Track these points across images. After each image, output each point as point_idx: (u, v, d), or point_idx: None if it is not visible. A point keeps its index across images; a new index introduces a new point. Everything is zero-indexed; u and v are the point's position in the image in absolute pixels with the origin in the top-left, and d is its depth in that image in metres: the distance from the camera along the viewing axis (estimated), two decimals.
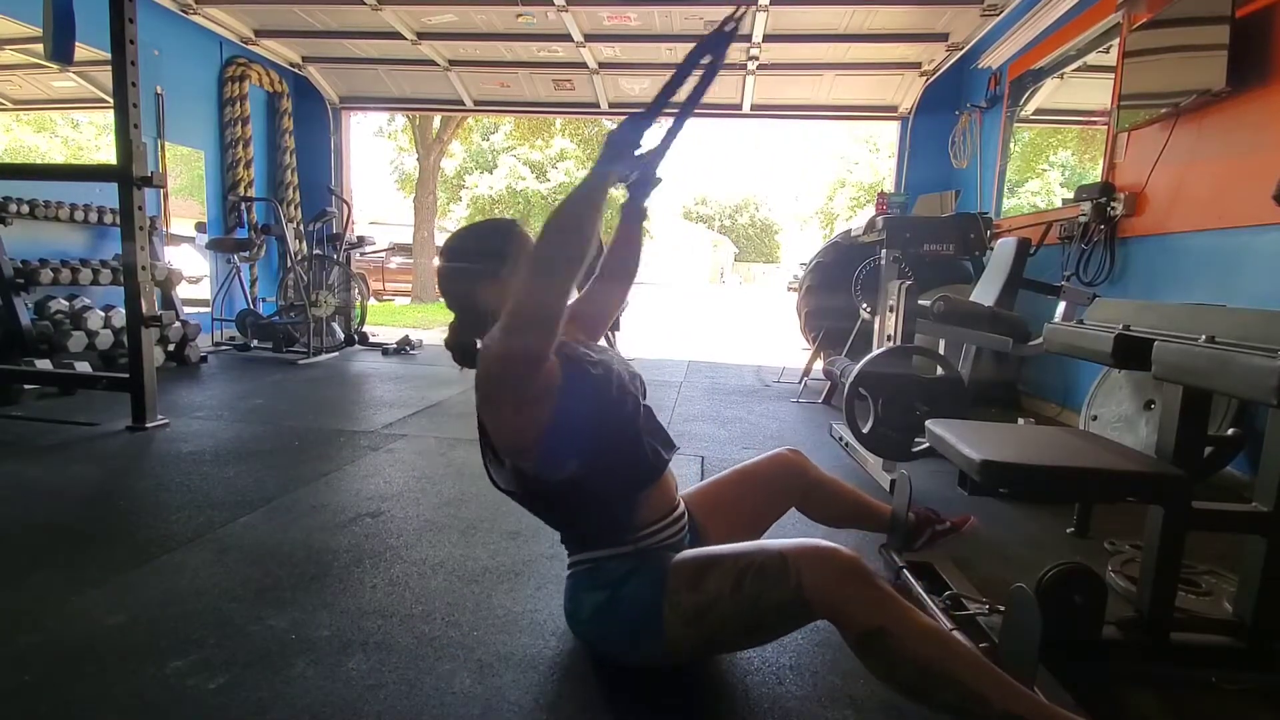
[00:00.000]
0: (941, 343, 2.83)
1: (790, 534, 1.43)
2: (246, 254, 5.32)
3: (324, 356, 4.92)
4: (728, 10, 0.97)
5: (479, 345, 1.18)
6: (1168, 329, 1.16)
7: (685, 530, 1.23)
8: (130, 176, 2.61)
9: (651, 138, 1.09)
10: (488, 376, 1.05)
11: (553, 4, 4.37)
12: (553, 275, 0.96)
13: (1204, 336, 1.05)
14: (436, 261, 1.23)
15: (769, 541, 1.06)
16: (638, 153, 1.06)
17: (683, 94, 1.07)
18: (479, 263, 1.16)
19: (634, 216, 1.31)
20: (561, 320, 0.99)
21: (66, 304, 3.65)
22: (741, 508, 1.40)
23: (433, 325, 8.28)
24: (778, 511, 1.47)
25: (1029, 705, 0.89)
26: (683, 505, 1.26)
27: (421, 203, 13.30)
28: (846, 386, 2.28)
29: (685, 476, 2.29)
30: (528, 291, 0.98)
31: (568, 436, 1.07)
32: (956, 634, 1.18)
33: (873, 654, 0.94)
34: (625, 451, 1.14)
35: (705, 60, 1.06)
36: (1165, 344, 1.06)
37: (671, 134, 1.12)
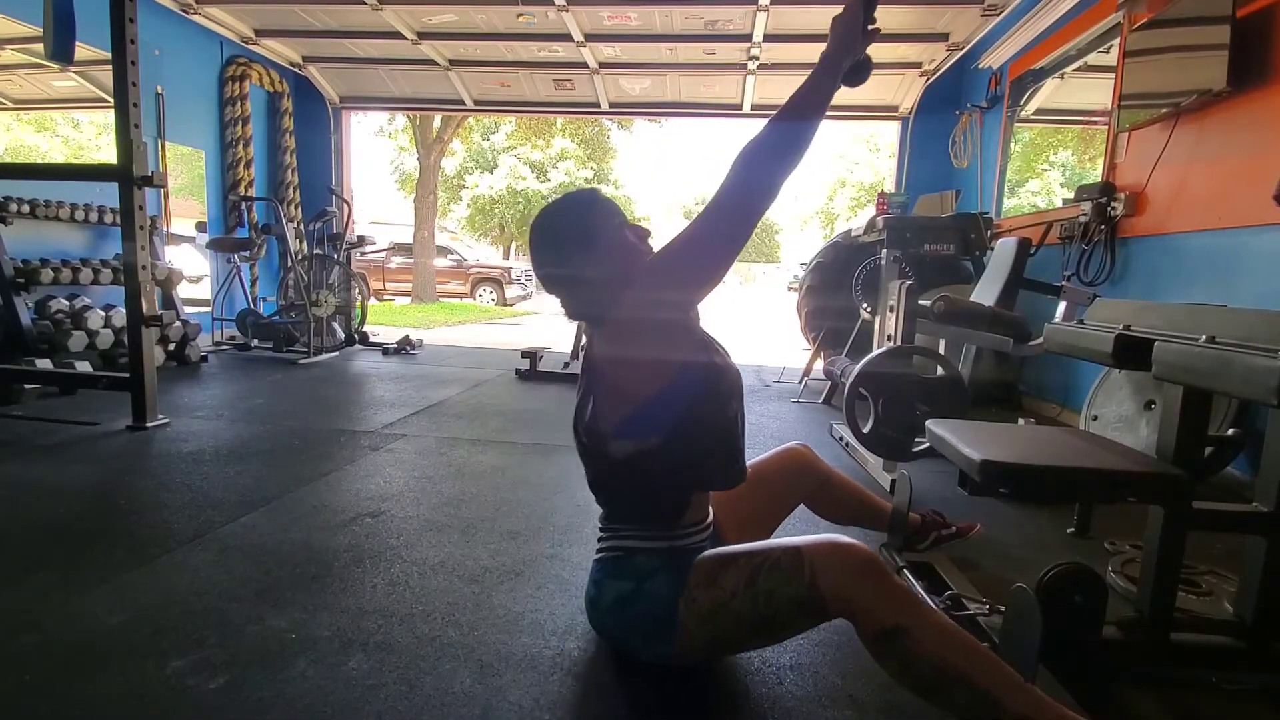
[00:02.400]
0: (942, 343, 2.83)
1: (794, 530, 1.43)
2: (247, 254, 5.32)
3: (324, 356, 4.92)
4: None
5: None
6: (1168, 329, 1.15)
7: (711, 537, 1.23)
8: (131, 176, 2.61)
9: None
10: (661, 273, 1.06)
11: (553, 4, 4.37)
12: (773, 159, 0.98)
13: (1204, 336, 1.05)
14: (529, 250, 1.21)
15: (785, 539, 1.06)
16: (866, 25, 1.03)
17: None
18: (574, 239, 1.12)
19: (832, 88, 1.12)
20: (764, 210, 1.01)
21: (67, 303, 3.65)
22: (753, 506, 1.39)
23: (433, 325, 8.28)
24: (789, 508, 1.47)
25: (1044, 711, 0.88)
26: (712, 513, 1.26)
27: (422, 202, 13.30)
28: (847, 386, 2.28)
29: None
30: (748, 173, 0.98)
31: (665, 408, 1.07)
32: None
33: (888, 653, 0.94)
34: (708, 447, 1.13)
35: None
36: (1165, 344, 1.06)
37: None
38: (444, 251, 14.10)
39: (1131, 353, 1.14)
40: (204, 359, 4.44)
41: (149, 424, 2.70)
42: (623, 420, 1.09)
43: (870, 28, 1.02)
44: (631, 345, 1.09)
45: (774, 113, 0.99)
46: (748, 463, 1.46)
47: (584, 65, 5.38)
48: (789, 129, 0.99)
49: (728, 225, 1.00)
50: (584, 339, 1.12)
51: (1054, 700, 0.91)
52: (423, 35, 5.06)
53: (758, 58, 5.02)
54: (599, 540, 1.22)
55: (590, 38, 4.93)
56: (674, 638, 1.07)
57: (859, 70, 1.06)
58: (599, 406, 1.12)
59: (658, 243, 1.14)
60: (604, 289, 1.11)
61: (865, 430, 2.23)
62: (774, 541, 1.07)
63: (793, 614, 1.00)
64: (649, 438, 1.08)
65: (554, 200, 1.20)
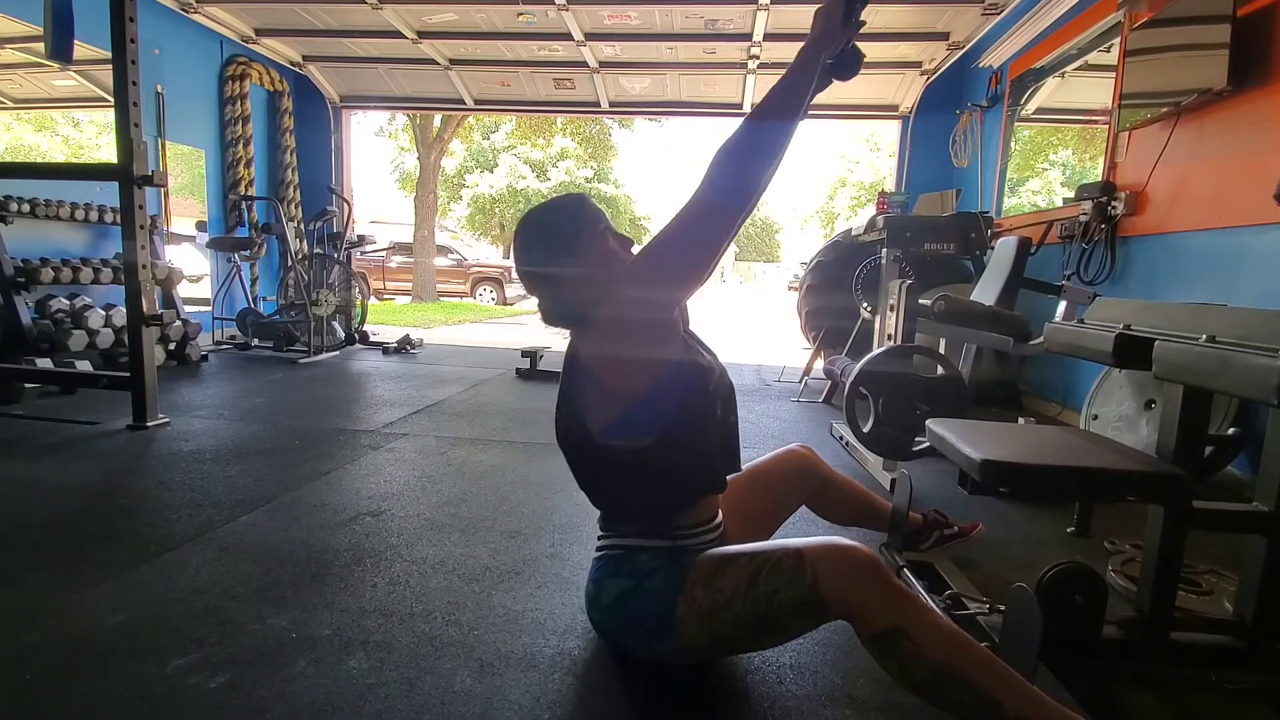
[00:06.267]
0: (942, 342, 2.83)
1: (796, 531, 1.44)
2: (247, 253, 5.33)
3: (324, 355, 4.92)
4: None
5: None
6: (1168, 328, 1.16)
7: (719, 539, 1.23)
8: (131, 175, 2.61)
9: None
10: (642, 275, 1.05)
11: (553, 3, 4.37)
12: (750, 158, 0.96)
13: (1204, 336, 1.05)
14: (513, 253, 1.22)
15: (785, 540, 1.05)
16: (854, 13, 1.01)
17: None
18: (559, 248, 1.14)
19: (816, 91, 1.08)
20: (746, 211, 0.99)
21: (67, 303, 3.65)
22: (754, 506, 1.39)
23: (433, 324, 8.28)
24: (790, 509, 1.47)
25: (1043, 711, 0.88)
26: (721, 515, 1.25)
27: (422, 202, 13.29)
28: (847, 386, 2.28)
29: None
30: (721, 174, 0.97)
31: (655, 409, 1.07)
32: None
33: (888, 654, 0.94)
34: (701, 451, 1.14)
35: None
36: (1166, 343, 1.06)
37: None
38: (444, 251, 14.10)
39: (1132, 352, 1.14)
40: (204, 358, 4.44)
41: (149, 423, 2.70)
42: (611, 422, 1.10)
43: (854, 19, 1.00)
44: (614, 346, 1.09)
45: (751, 110, 0.98)
46: (749, 462, 1.47)
47: (584, 64, 5.37)
48: (765, 127, 0.98)
49: (705, 227, 0.99)
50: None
51: (1054, 700, 0.91)
52: (423, 34, 5.05)
53: (758, 57, 5.02)
54: (599, 538, 1.22)
55: (590, 37, 4.92)
56: (673, 636, 1.07)
57: (846, 64, 1.03)
58: (585, 410, 1.12)
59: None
60: (585, 288, 1.12)
61: (865, 429, 2.23)
62: (774, 543, 1.06)
63: (793, 616, 1.00)
64: (639, 439, 1.09)
65: (543, 201, 1.22)
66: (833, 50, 1.00)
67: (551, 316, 1.19)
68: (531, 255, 1.16)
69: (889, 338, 2.50)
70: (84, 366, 3.36)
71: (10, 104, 4.97)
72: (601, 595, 1.16)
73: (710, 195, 0.98)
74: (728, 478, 1.20)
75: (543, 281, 1.17)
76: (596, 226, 1.15)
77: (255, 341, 5.12)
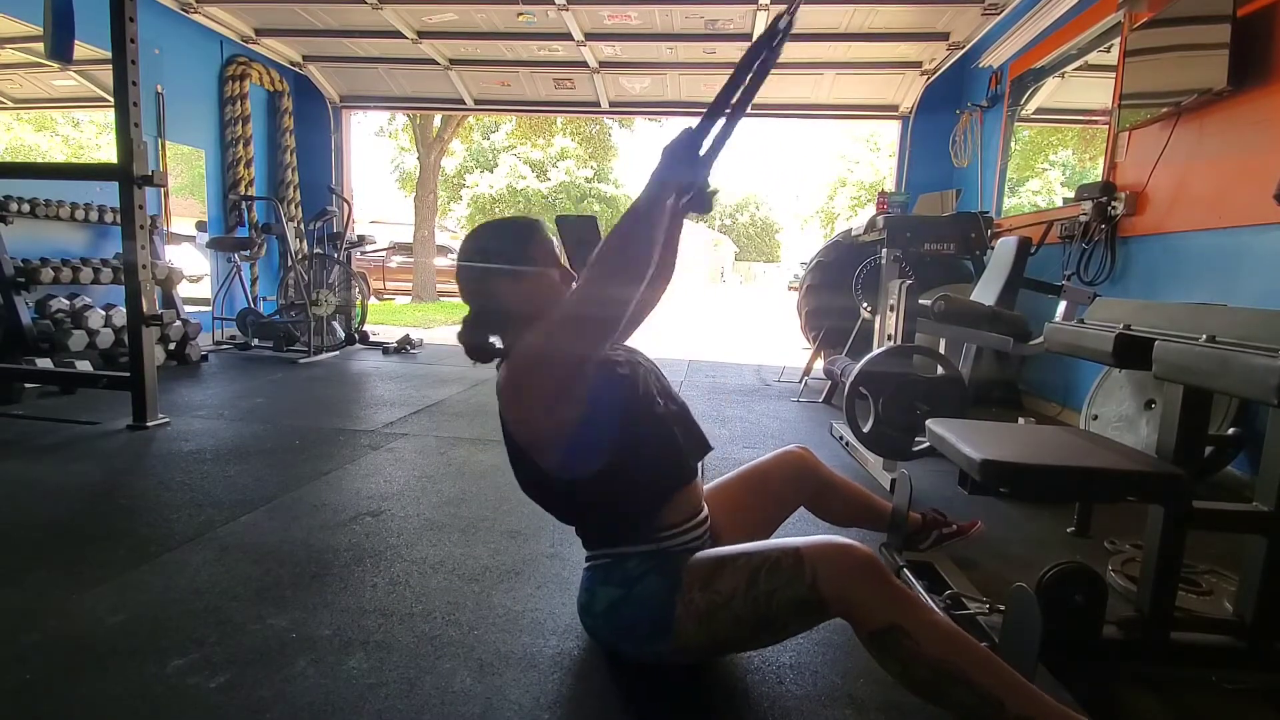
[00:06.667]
0: (942, 342, 2.83)
1: (794, 531, 1.44)
2: (247, 253, 5.33)
3: (324, 355, 4.92)
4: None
5: (499, 344, 1.20)
6: (1168, 328, 1.16)
7: (707, 534, 1.23)
8: (131, 175, 2.61)
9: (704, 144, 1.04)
10: (526, 370, 1.07)
11: (553, 3, 4.37)
12: (615, 284, 0.99)
13: (1204, 336, 1.05)
14: (456, 258, 1.24)
15: (784, 539, 1.06)
16: (695, 161, 1.00)
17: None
18: (500, 260, 1.15)
19: (675, 222, 1.22)
20: (617, 330, 1.03)
21: (67, 303, 3.65)
22: (752, 507, 1.39)
23: (433, 325, 8.28)
24: (788, 510, 1.47)
25: (1043, 709, 0.88)
26: (706, 509, 1.25)
27: (422, 202, 13.30)
28: (847, 386, 2.28)
29: None
30: (586, 297, 1.00)
31: (594, 436, 1.08)
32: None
33: (887, 652, 0.94)
34: (655, 452, 1.15)
35: (758, 61, 1.02)
36: (1166, 343, 1.06)
37: (724, 138, 1.03)
38: (444, 251, 14.09)
39: (1132, 352, 1.14)
40: (204, 358, 4.44)
41: (149, 423, 2.70)
42: (562, 457, 1.10)
43: (700, 160, 0.99)
44: (536, 384, 1.07)
45: (605, 240, 1.00)
46: (747, 463, 1.47)
47: (584, 64, 5.37)
48: (622, 256, 0.99)
49: (580, 330, 1.02)
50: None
51: (1054, 699, 0.91)
52: (423, 34, 5.05)
53: None
54: (586, 550, 1.22)
55: (590, 37, 4.92)
56: (670, 638, 1.07)
57: (699, 200, 1.04)
58: (534, 455, 1.12)
59: None
60: (515, 306, 1.15)
61: (865, 429, 2.23)
62: (772, 542, 1.07)
63: (793, 615, 1.00)
64: (592, 466, 1.09)
65: (492, 220, 1.24)
66: (685, 187, 1.01)
67: (472, 325, 1.20)
68: (475, 258, 1.18)
69: (889, 338, 2.50)
70: (84, 366, 3.36)
71: (10, 104, 4.98)
72: (594, 603, 1.17)
73: (585, 303, 1.01)
74: (695, 464, 1.21)
75: (477, 287, 1.18)
76: (543, 252, 1.17)
77: (255, 341, 5.13)
